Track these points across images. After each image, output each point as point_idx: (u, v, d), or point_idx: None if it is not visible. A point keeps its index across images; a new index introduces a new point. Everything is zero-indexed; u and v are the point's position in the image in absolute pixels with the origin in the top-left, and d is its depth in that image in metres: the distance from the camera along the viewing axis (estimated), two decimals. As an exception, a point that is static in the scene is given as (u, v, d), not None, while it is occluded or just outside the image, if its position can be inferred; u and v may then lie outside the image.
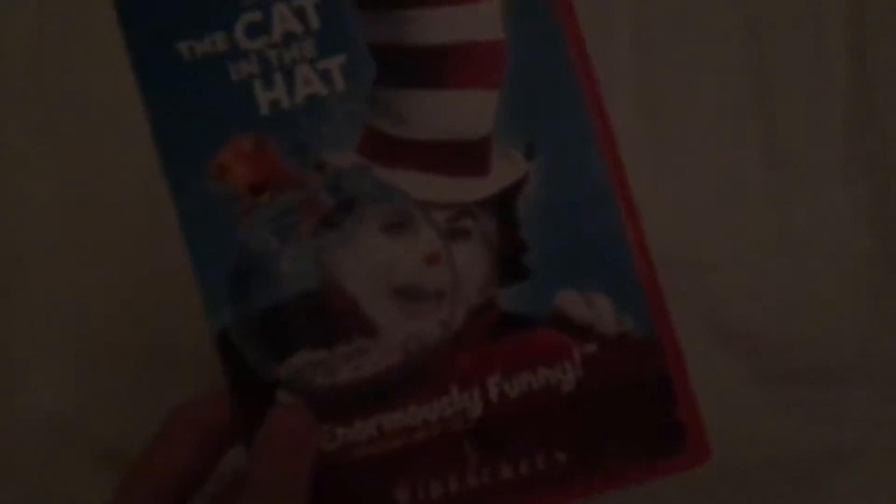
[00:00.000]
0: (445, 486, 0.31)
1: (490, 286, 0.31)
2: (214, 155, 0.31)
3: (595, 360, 0.31)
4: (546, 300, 0.31)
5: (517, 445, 0.31)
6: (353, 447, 0.31)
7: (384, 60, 0.31)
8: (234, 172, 0.31)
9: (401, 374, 0.31)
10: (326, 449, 0.31)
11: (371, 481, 0.31)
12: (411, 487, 0.31)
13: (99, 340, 0.42)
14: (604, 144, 0.31)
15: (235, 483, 0.31)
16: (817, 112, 0.44)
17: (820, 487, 0.43)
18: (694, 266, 0.43)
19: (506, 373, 0.31)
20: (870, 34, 0.45)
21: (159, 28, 0.31)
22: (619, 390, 0.31)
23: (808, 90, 0.45)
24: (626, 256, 0.31)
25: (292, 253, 0.31)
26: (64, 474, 0.40)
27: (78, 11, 0.45)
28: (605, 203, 0.31)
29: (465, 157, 0.31)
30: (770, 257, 0.43)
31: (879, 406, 0.43)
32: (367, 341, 0.31)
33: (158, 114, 0.31)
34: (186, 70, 0.31)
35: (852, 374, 0.43)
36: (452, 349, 0.31)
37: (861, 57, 0.45)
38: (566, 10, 0.31)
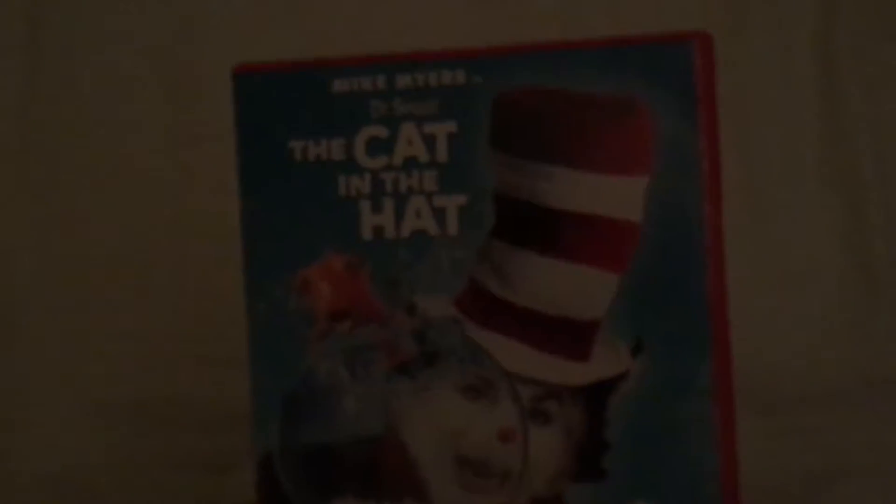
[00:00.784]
0: None
1: (561, 479, 0.29)
2: (302, 267, 0.29)
3: None
4: None
5: None
6: None
7: (507, 213, 0.29)
8: (319, 290, 0.29)
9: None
10: None
11: None
12: None
13: (102, 399, 0.41)
14: (717, 359, 0.28)
15: None
16: (789, 138, 0.46)
17: None
18: None
19: None
20: (840, 55, 0.46)
21: (276, 119, 0.29)
22: None
23: (779, 116, 0.46)
24: (710, 487, 0.28)
25: (360, 392, 0.29)
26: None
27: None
28: (703, 426, 0.28)
29: (568, 336, 0.28)
30: (749, 285, 0.42)
31: (861, 428, 0.44)
32: (417, 505, 0.29)
33: (254, 207, 0.29)
34: (294, 171, 0.29)
35: (834, 398, 0.44)
36: None
37: (831, 79, 0.46)
38: (714, 206, 0.29)
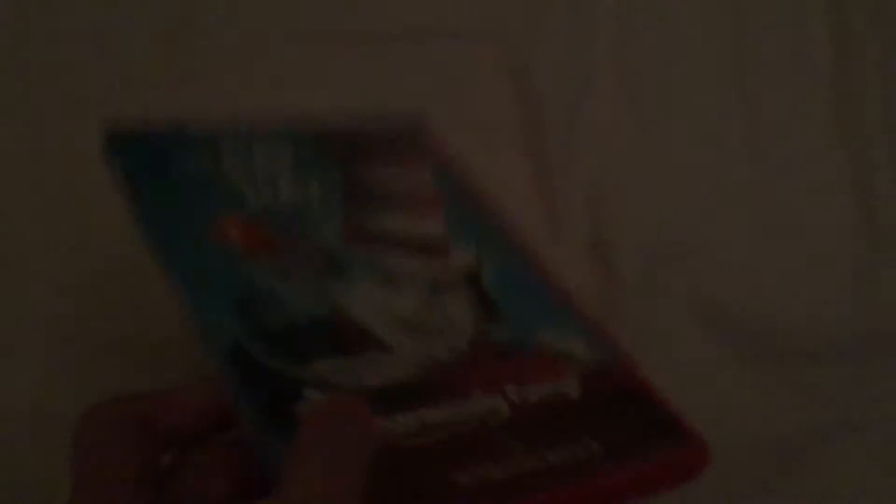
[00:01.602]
0: (500, 470, 0.29)
1: (480, 322, 0.34)
2: (207, 227, 0.34)
3: (587, 376, 0.34)
4: (530, 334, 0.35)
5: (552, 435, 0.31)
6: (400, 438, 0.29)
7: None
8: (231, 236, 0.34)
9: (422, 381, 0.31)
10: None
11: (427, 467, 0.29)
12: (468, 471, 0.29)
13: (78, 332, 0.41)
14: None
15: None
16: (800, 92, 0.46)
17: (804, 465, 0.44)
18: (679, 251, 0.45)
19: (519, 383, 0.33)
20: (852, 9, 0.46)
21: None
22: (613, 399, 0.34)
23: (790, 70, 0.46)
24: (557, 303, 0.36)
25: (298, 287, 0.33)
26: (46, 464, 0.34)
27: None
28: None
29: (428, 245, 0.37)
30: (754, 239, 0.45)
31: (861, 383, 0.44)
32: (383, 355, 0.32)
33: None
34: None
35: (835, 352, 0.44)
36: (465, 365, 0.32)
37: (843, 35, 0.46)
38: None
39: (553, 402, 0.33)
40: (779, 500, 0.43)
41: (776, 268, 0.45)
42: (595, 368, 0.34)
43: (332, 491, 0.25)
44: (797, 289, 0.45)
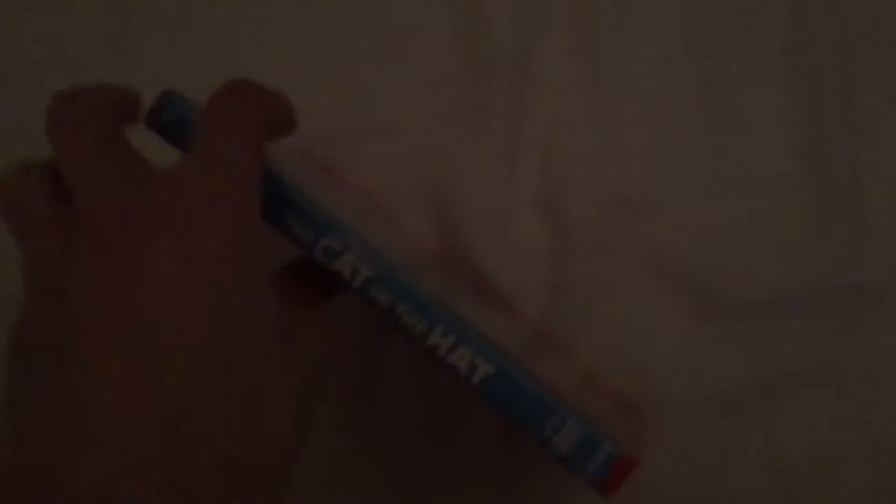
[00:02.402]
0: None
1: None
2: None
3: None
4: None
5: None
6: None
7: None
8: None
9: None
10: None
11: None
12: None
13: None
14: None
15: None
16: (753, 47, 0.46)
17: (760, 419, 0.44)
18: (633, 205, 0.45)
19: None
20: None
21: None
22: None
23: (743, 24, 0.46)
24: None
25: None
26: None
27: None
28: None
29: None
30: (708, 194, 0.45)
31: (817, 336, 0.44)
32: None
33: None
34: None
35: (790, 306, 0.44)
36: None
37: None
38: None
39: None
40: (722, 454, 0.44)
41: (729, 223, 0.45)
42: None
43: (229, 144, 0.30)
44: (753, 242, 0.45)
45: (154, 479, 0.26)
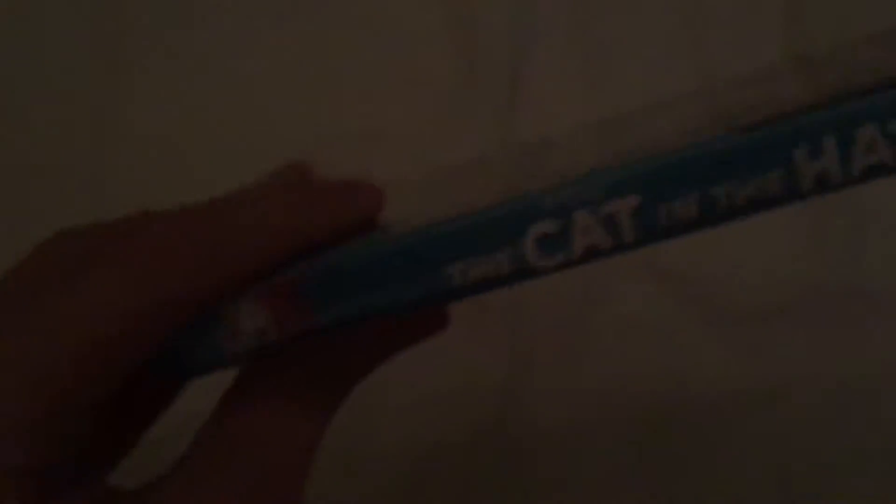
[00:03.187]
0: None
1: None
2: None
3: None
4: None
5: None
6: None
7: None
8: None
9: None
10: None
11: None
12: None
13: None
14: None
15: None
16: (749, 44, 0.46)
17: (758, 423, 0.44)
18: None
19: None
20: None
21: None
22: None
23: (739, 22, 0.46)
24: None
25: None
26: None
27: None
28: None
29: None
30: None
31: (817, 340, 0.44)
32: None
33: None
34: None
35: (790, 310, 0.44)
36: None
37: None
38: None
39: None
40: (723, 459, 0.43)
41: (729, 227, 0.44)
42: None
43: None
44: (748, 248, 0.44)
45: None
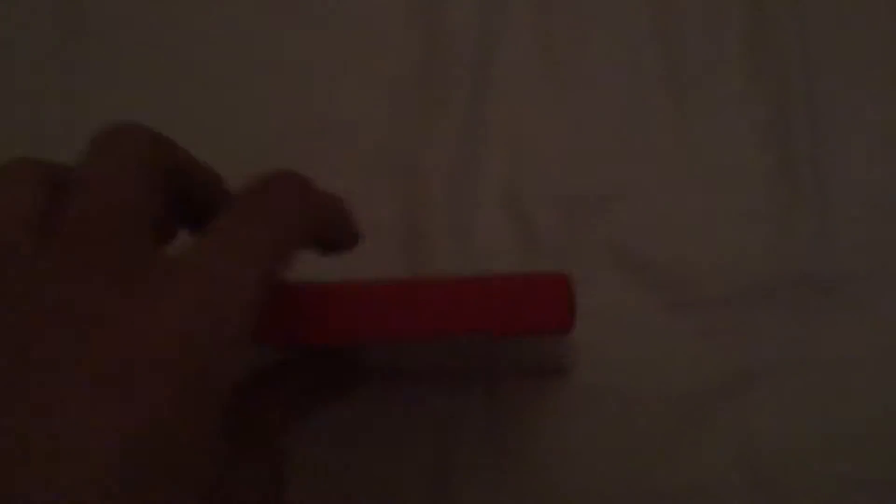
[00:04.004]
0: None
1: None
2: None
3: None
4: None
5: None
6: None
7: None
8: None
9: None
10: None
11: None
12: None
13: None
14: None
15: None
16: (715, 38, 0.46)
17: (730, 410, 0.44)
18: (597, 200, 0.45)
19: None
20: None
21: None
22: None
23: (705, 16, 0.46)
24: None
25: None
26: None
27: None
28: None
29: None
30: (674, 185, 0.45)
31: (785, 326, 0.44)
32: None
33: None
34: None
35: (758, 296, 0.44)
36: None
37: None
38: None
39: None
40: (692, 446, 0.43)
41: (695, 214, 0.45)
42: None
43: (254, 238, 0.25)
44: (720, 233, 0.45)
45: None
